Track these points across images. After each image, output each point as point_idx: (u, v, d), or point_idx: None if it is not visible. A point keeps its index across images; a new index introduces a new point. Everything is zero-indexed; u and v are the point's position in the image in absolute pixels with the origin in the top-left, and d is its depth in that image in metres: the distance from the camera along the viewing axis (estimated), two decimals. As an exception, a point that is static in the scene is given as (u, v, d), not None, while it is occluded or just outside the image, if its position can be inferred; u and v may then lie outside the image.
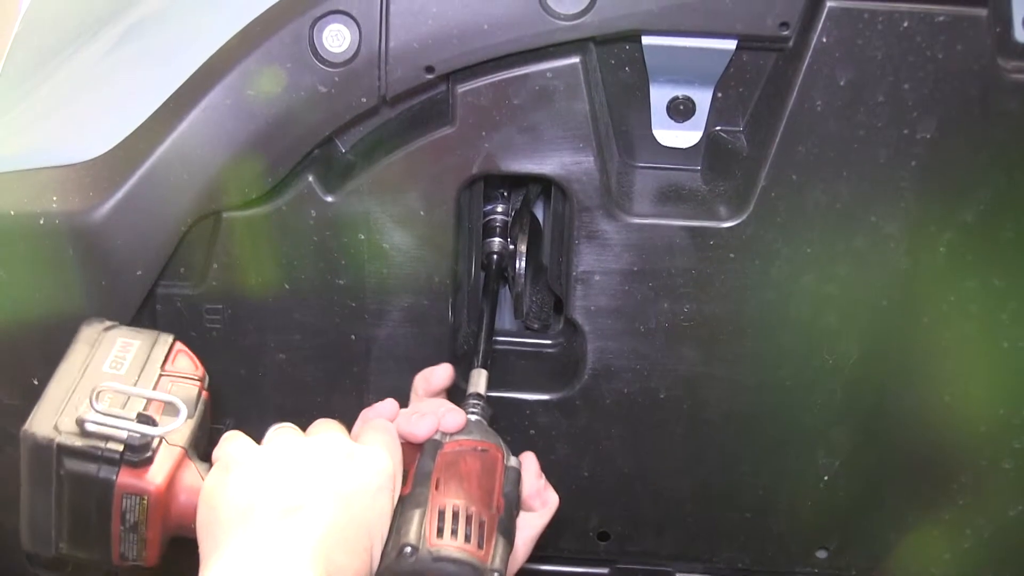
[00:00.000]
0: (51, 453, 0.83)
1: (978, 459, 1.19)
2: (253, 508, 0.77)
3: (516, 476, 0.91)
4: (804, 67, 0.99)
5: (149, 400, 0.87)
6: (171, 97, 1.03)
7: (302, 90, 1.00)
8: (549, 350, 1.25)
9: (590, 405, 1.16)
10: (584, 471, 1.20)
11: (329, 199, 1.06)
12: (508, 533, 0.85)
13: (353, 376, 1.15)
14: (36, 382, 1.05)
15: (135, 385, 0.89)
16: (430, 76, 1.00)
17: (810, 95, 1.00)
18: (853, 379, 1.14)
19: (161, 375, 0.92)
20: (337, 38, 0.99)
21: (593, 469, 1.20)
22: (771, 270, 1.08)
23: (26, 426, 0.84)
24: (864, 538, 1.26)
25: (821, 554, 1.27)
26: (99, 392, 0.85)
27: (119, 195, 1.01)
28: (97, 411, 0.84)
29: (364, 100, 1.01)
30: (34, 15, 1.29)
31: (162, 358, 0.93)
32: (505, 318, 1.40)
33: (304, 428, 0.89)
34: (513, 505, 0.88)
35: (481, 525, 0.83)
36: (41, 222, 1.01)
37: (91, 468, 0.83)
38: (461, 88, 1.02)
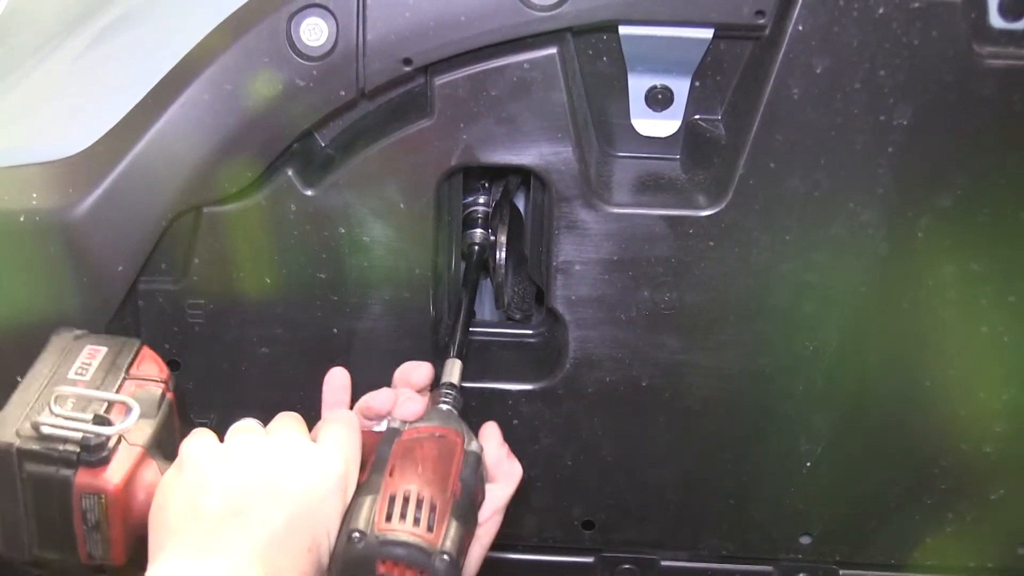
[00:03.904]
0: (12, 458, 0.84)
1: (959, 444, 1.19)
2: (198, 510, 0.79)
3: (476, 460, 0.91)
4: (780, 55, 0.99)
5: (110, 403, 0.88)
6: (150, 93, 1.02)
7: (280, 84, 1.00)
8: (531, 340, 1.25)
9: (572, 394, 1.17)
10: (567, 460, 1.21)
11: (309, 193, 1.06)
12: (464, 517, 0.86)
13: (336, 369, 1.15)
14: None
15: (99, 389, 0.90)
16: (408, 68, 1.00)
17: (787, 83, 1.00)
18: (834, 365, 1.14)
19: (125, 379, 0.93)
20: (314, 32, 0.99)
21: (576, 458, 1.21)
22: (750, 258, 1.08)
23: None
24: (847, 524, 1.26)
25: (805, 540, 1.27)
26: (58, 396, 0.86)
27: (99, 191, 1.01)
28: (54, 414, 0.85)
29: (342, 93, 1.01)
30: (12, 13, 1.28)
31: (127, 363, 0.94)
32: (486, 308, 1.40)
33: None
34: (471, 489, 0.88)
35: (433, 508, 0.83)
36: (21, 219, 1.01)
37: (50, 470, 0.84)
38: (439, 80, 1.02)
